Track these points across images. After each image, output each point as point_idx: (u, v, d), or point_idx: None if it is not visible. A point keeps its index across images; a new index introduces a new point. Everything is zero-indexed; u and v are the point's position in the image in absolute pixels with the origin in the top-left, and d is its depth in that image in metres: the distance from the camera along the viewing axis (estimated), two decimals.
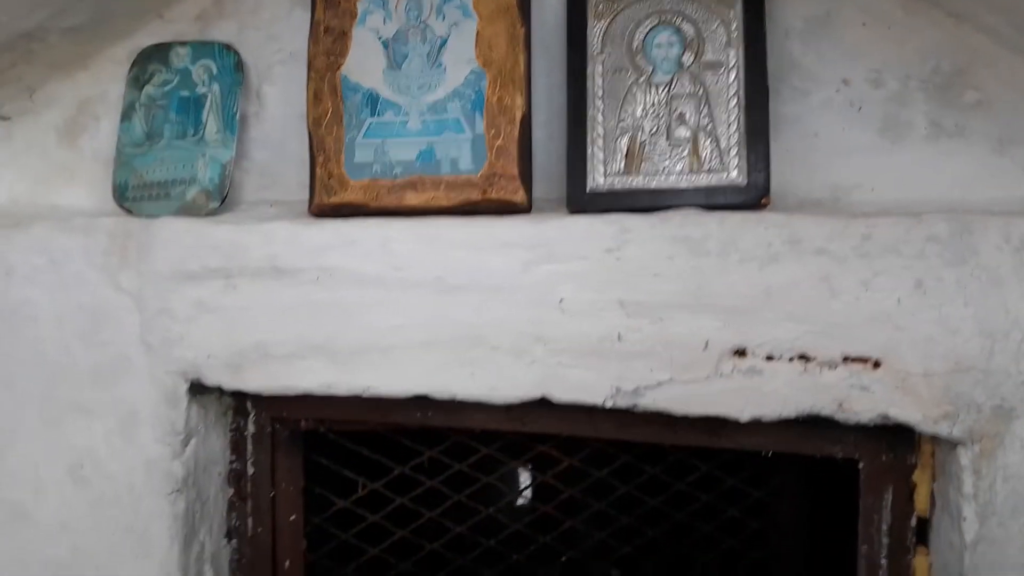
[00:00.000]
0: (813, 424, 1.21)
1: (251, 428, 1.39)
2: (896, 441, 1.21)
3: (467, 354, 1.16)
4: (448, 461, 1.48)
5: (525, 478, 1.52)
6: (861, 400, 1.06)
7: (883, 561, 1.24)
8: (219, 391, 1.31)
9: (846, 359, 1.06)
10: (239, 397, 1.36)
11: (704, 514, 1.57)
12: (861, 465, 1.23)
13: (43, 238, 1.27)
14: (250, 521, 1.40)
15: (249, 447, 1.39)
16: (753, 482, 1.58)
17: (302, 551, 1.42)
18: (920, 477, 1.21)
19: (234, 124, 1.30)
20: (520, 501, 1.55)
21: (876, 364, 1.06)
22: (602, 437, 1.28)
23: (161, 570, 1.26)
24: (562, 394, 1.16)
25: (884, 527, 1.23)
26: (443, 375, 1.18)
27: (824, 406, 1.08)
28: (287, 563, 1.42)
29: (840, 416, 1.08)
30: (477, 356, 1.16)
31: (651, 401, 1.12)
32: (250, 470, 1.39)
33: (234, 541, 1.40)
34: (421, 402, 1.27)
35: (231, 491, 1.40)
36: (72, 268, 1.25)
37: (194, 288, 1.21)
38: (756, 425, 1.19)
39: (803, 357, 1.07)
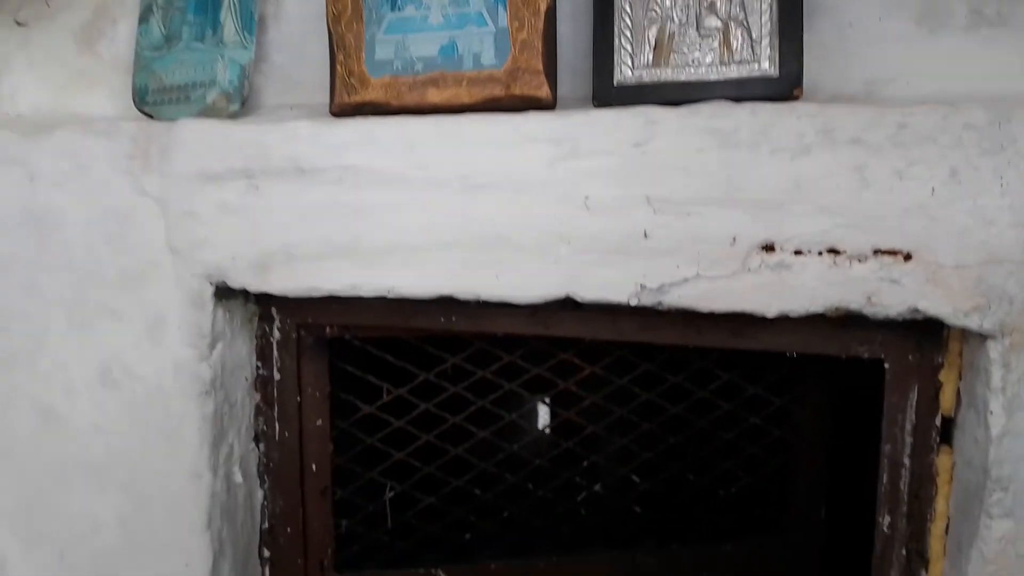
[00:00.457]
0: (839, 324, 1.20)
1: (276, 335, 1.40)
2: (923, 340, 1.20)
3: (491, 254, 1.15)
4: (472, 368, 1.49)
5: (548, 386, 1.53)
6: (891, 293, 1.05)
7: (906, 460, 1.24)
8: (244, 295, 1.32)
9: (877, 252, 1.05)
10: (264, 303, 1.37)
11: (726, 422, 1.58)
12: (887, 365, 1.22)
13: (67, 142, 1.26)
14: (277, 426, 1.42)
15: (275, 353, 1.40)
16: (775, 390, 1.58)
17: (329, 455, 1.44)
18: (946, 376, 1.20)
19: (253, 25, 1.28)
20: (542, 409, 1.57)
21: (907, 257, 1.04)
22: (625, 340, 1.28)
23: (192, 469, 1.28)
24: (586, 293, 1.15)
25: (908, 427, 1.23)
26: (467, 275, 1.17)
27: (853, 300, 1.07)
28: (314, 466, 1.44)
29: (869, 310, 1.07)
30: (501, 256, 1.15)
31: (676, 298, 1.12)
32: (276, 376, 1.41)
33: (262, 445, 1.43)
34: (445, 305, 1.27)
35: (258, 397, 1.41)
36: (97, 172, 1.25)
37: (217, 190, 1.21)
38: (782, 323, 1.19)
39: (832, 251, 1.06)
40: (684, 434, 1.58)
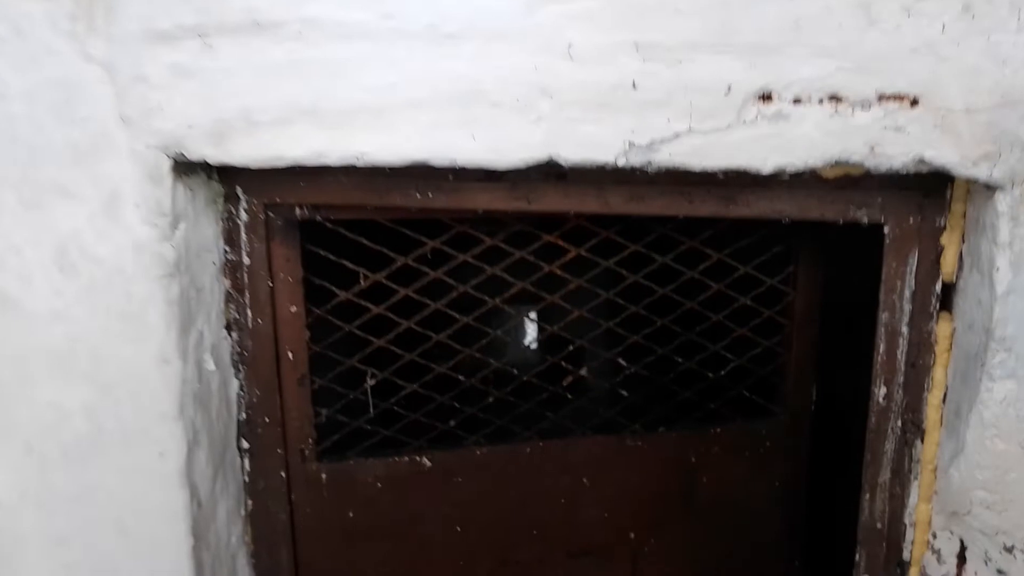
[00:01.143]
0: (837, 186, 1.14)
1: (244, 216, 1.32)
2: (925, 201, 1.14)
3: (466, 112, 1.07)
4: (452, 252, 1.42)
5: (531, 270, 1.46)
6: (895, 142, 0.98)
7: (904, 329, 1.20)
8: (206, 171, 1.23)
9: (881, 98, 0.97)
10: (228, 181, 1.29)
11: (715, 303, 1.53)
12: (887, 229, 1.17)
13: (2, 4, 1.15)
14: (249, 313, 1.36)
15: (243, 236, 1.33)
16: (766, 269, 1.53)
17: (305, 342, 1.39)
18: (948, 239, 1.15)
19: None
20: (527, 294, 1.50)
21: (914, 102, 0.97)
22: (613, 212, 1.21)
23: (159, 355, 1.22)
24: (571, 153, 1.08)
25: (907, 293, 1.18)
26: (441, 137, 1.09)
27: (855, 151, 1.00)
28: (290, 355, 1.39)
29: (871, 163, 1.00)
30: (477, 114, 1.07)
31: (667, 156, 1.05)
32: (246, 261, 1.34)
33: (235, 333, 1.37)
34: (420, 176, 1.20)
35: (228, 283, 1.35)
36: (36, 37, 1.14)
37: (169, 51, 1.11)
38: (777, 188, 1.12)
39: (834, 98, 0.98)
40: (673, 316, 1.53)
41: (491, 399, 1.47)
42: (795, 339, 1.56)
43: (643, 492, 1.58)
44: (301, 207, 1.31)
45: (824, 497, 1.68)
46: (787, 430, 1.60)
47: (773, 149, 1.01)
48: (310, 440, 1.44)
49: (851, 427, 1.88)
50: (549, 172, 1.20)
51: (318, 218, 1.33)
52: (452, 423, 1.49)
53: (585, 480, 1.55)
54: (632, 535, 1.58)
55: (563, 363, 1.51)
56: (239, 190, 1.30)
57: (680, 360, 1.55)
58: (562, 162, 1.08)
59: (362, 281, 1.42)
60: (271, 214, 1.33)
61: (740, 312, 1.54)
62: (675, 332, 1.54)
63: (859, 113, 0.97)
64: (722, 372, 1.56)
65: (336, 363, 1.44)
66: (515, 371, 1.50)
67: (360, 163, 1.13)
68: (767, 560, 1.67)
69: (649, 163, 1.05)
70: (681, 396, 1.57)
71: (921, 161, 0.98)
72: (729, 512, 1.62)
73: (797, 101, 0.99)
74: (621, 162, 1.05)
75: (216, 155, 1.14)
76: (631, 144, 1.04)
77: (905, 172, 1.03)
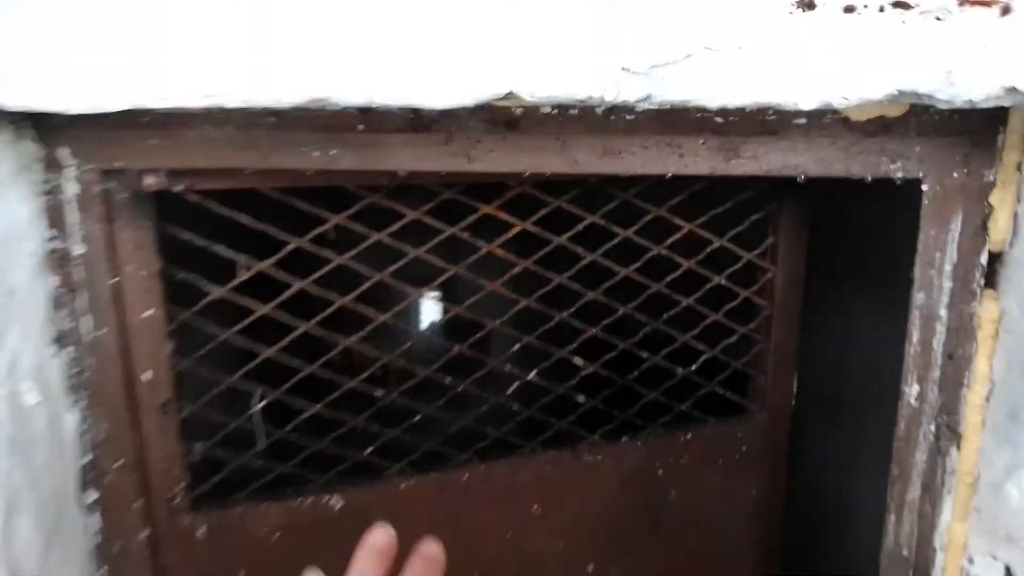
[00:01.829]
0: (869, 133, 0.89)
1: (73, 188, 0.95)
2: (972, 152, 0.90)
3: (386, 26, 0.75)
4: (362, 230, 1.10)
5: (465, 251, 1.16)
6: (978, 66, 0.73)
7: (943, 312, 0.96)
8: (10, 124, 0.86)
9: (963, 2, 0.72)
10: (48, 140, 0.91)
11: (684, 285, 1.26)
12: (925, 187, 0.92)
13: None
14: (87, 321, 0.99)
15: (72, 216, 0.96)
16: (742, 243, 1.28)
17: (167, 357, 1.04)
18: (1000, 197, 0.92)
19: None
20: (458, 282, 1.20)
21: (1005, 9, 0.72)
22: (581, 172, 0.92)
23: None
24: (540, 87, 0.77)
25: (948, 268, 0.94)
26: (345, 62, 0.77)
27: (926, 79, 0.74)
28: (147, 374, 1.03)
29: (944, 94, 0.75)
30: (402, 28, 0.75)
31: (673, 88, 0.76)
32: (78, 250, 0.97)
33: (69, 349, 1.00)
34: (319, 127, 0.87)
35: (55, 280, 0.98)
36: None
37: None
38: (793, 134, 0.86)
39: (900, 4, 0.72)
40: (635, 303, 1.26)
41: (418, 417, 1.16)
42: (775, 323, 1.32)
43: (603, 516, 1.30)
44: (154, 174, 0.95)
45: (807, 503, 1.47)
46: (766, 430, 1.36)
47: (816, 78, 0.74)
48: (181, 484, 1.09)
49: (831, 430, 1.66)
50: (496, 119, 0.90)
51: (178, 188, 0.97)
52: (368, 451, 1.17)
53: (536, 507, 1.26)
54: (591, 567, 1.31)
55: (508, 367, 1.22)
56: (64, 152, 0.93)
57: (645, 355, 1.28)
58: (527, 99, 0.78)
59: (242, 272, 1.07)
60: (112, 185, 0.96)
61: (712, 294, 1.28)
62: (637, 322, 1.27)
63: (932, 24, 0.72)
64: (693, 367, 1.30)
65: (212, 382, 1.09)
66: (448, 380, 1.19)
67: (231, 106, 0.79)
68: (738, 572, 1.44)
69: (647, 98, 0.76)
70: (646, 398, 1.30)
71: (1013, 91, 0.73)
72: (701, 530, 1.37)
73: (849, 9, 0.72)
74: (610, 97, 0.76)
75: (11, 98, 0.78)
76: (625, 70, 0.74)
77: (969, 109, 0.78)
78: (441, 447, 1.21)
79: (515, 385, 1.22)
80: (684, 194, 1.16)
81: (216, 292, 1.06)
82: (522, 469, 1.24)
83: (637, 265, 1.22)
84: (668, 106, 0.77)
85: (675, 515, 1.34)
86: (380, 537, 0.63)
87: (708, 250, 1.24)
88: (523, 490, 1.24)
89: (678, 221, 1.21)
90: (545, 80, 0.75)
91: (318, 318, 1.11)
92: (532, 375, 1.22)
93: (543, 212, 1.14)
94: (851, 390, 1.54)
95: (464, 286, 1.21)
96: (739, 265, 1.27)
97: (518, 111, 0.89)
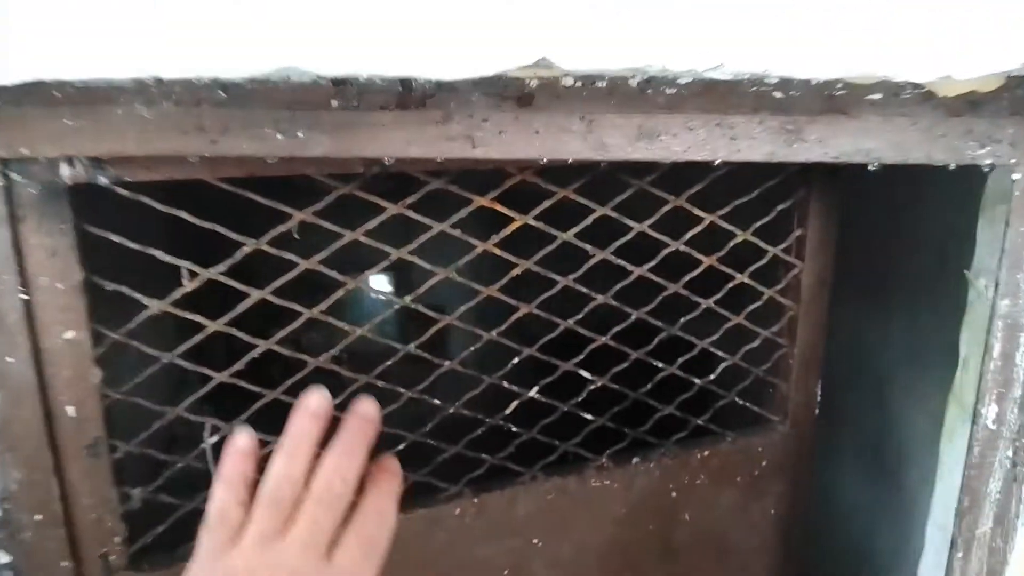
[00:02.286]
0: (954, 111, 0.73)
1: None
2: None
3: None
4: (334, 229, 0.91)
5: (452, 250, 0.98)
6: None
7: None
8: None
9: None
10: None
11: (704, 285, 1.10)
12: (1017, 175, 0.77)
13: None
14: None
15: None
16: (766, 236, 1.12)
17: (94, 387, 0.84)
18: None
19: None
20: (443, 288, 1.01)
21: None
22: (610, 158, 0.75)
23: None
24: (580, 59, 0.60)
25: None
26: (309, 23, 0.58)
27: None
28: (71, 408, 0.84)
29: None
30: None
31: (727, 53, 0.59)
32: None
33: None
34: (281, 103, 0.68)
35: None
36: None
37: None
38: (866, 112, 0.71)
39: None
40: (648, 306, 1.09)
41: (403, 445, 0.98)
42: (800, 325, 1.17)
43: (610, 546, 1.14)
44: (71, 163, 0.76)
45: (826, 518, 1.34)
46: (787, 443, 1.21)
47: (906, 44, 0.58)
48: (117, 538, 0.90)
49: (869, 433, 1.53)
50: (506, 93, 0.72)
51: (104, 181, 0.78)
52: None
53: (536, 540, 1.10)
54: None
55: (505, 384, 1.04)
56: None
57: (659, 365, 1.12)
58: (564, 70, 0.60)
59: (186, 281, 0.88)
60: (16, 177, 0.76)
61: (730, 295, 1.12)
62: (648, 327, 1.10)
63: None
64: (712, 376, 1.14)
65: (152, 414, 0.90)
66: (437, 402, 1.01)
67: (169, 77, 0.60)
68: None
69: (717, 67, 0.59)
70: (660, 412, 1.15)
71: None
72: (715, 554, 1.23)
73: None
74: (679, 68, 0.59)
75: None
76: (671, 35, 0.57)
77: None
78: (428, 477, 1.04)
79: (514, 404, 1.05)
80: (707, 180, 0.99)
81: (155, 306, 0.87)
82: (521, 499, 1.08)
83: (651, 264, 1.05)
84: (718, 78, 0.60)
85: (688, 540, 1.20)
86: (315, 400, 0.64)
87: (731, 244, 1.08)
88: (522, 522, 1.08)
89: (698, 212, 1.04)
90: (589, 50, 0.58)
91: (280, 334, 0.92)
92: (534, 392, 1.05)
93: (547, 204, 0.96)
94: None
95: (454, 291, 1.03)
96: (764, 261, 1.11)
97: (532, 83, 0.72)
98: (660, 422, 1.15)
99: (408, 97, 0.72)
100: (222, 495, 0.60)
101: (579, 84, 0.72)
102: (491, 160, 0.74)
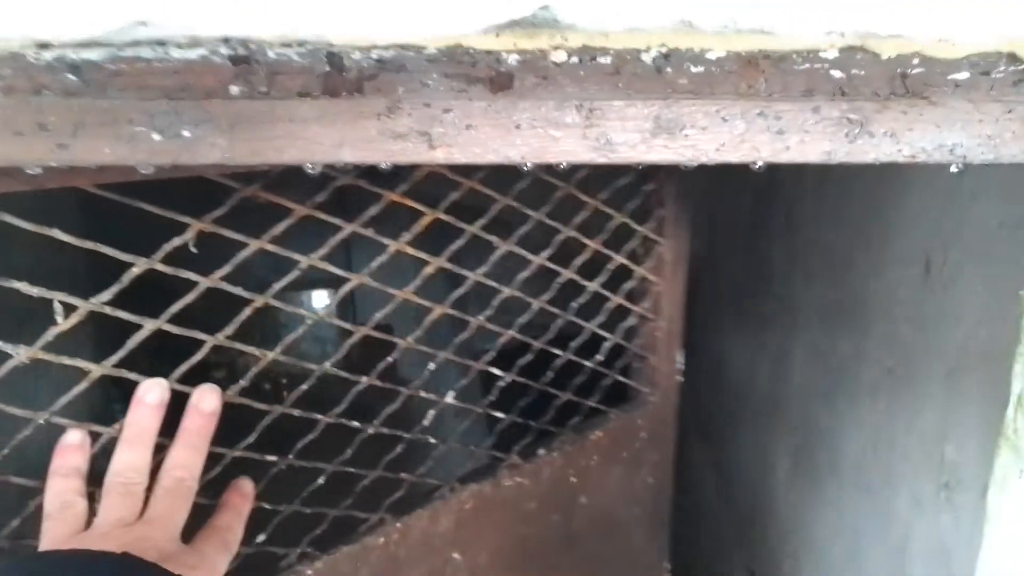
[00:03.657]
0: None
1: None
2: None
3: None
4: (241, 238, 0.70)
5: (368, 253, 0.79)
6: None
7: None
8: None
9: None
10: None
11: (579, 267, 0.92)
12: None
13: None
14: None
15: None
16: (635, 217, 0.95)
17: None
18: None
19: None
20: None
21: None
22: (617, 162, 0.56)
23: None
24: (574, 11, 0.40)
25: None
26: None
27: None
28: None
29: None
30: None
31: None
32: None
33: None
34: (149, 91, 0.48)
35: None
36: None
37: None
38: (945, 95, 0.53)
39: None
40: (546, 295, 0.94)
41: (321, 480, 0.80)
42: (664, 300, 1.18)
43: (522, 544, 1.10)
44: None
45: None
46: (658, 413, 1.24)
47: None
48: None
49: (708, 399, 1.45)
50: (473, 73, 0.52)
51: None
52: (261, 538, 0.80)
53: (456, 555, 1.01)
54: None
55: (423, 392, 0.88)
56: None
57: (559, 352, 1.04)
58: (560, 34, 0.40)
59: (60, 318, 0.66)
60: None
61: (607, 277, 1.07)
62: (541, 316, 0.98)
63: None
64: (599, 357, 1.09)
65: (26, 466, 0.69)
66: (356, 423, 0.83)
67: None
68: (641, 570, 1.34)
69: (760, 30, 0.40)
70: (559, 399, 1.08)
71: None
72: (606, 531, 1.22)
73: None
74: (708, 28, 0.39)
75: None
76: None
77: None
78: (351, 512, 0.87)
79: (432, 413, 0.89)
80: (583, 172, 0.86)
81: (21, 354, 0.65)
82: (442, 515, 0.98)
83: (549, 252, 0.90)
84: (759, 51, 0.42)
85: (585, 523, 1.18)
86: (150, 391, 0.63)
87: (610, 227, 1.02)
88: (443, 537, 1.00)
89: (585, 199, 0.94)
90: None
91: (179, 372, 0.72)
92: (449, 397, 0.93)
93: (455, 195, 0.78)
94: None
95: (366, 298, 0.85)
96: (634, 242, 1.11)
97: (511, 58, 0.52)
98: (558, 410, 1.09)
99: (338, 79, 0.51)
100: (60, 487, 0.60)
101: (575, 60, 0.52)
102: (455, 164, 0.54)
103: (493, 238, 0.84)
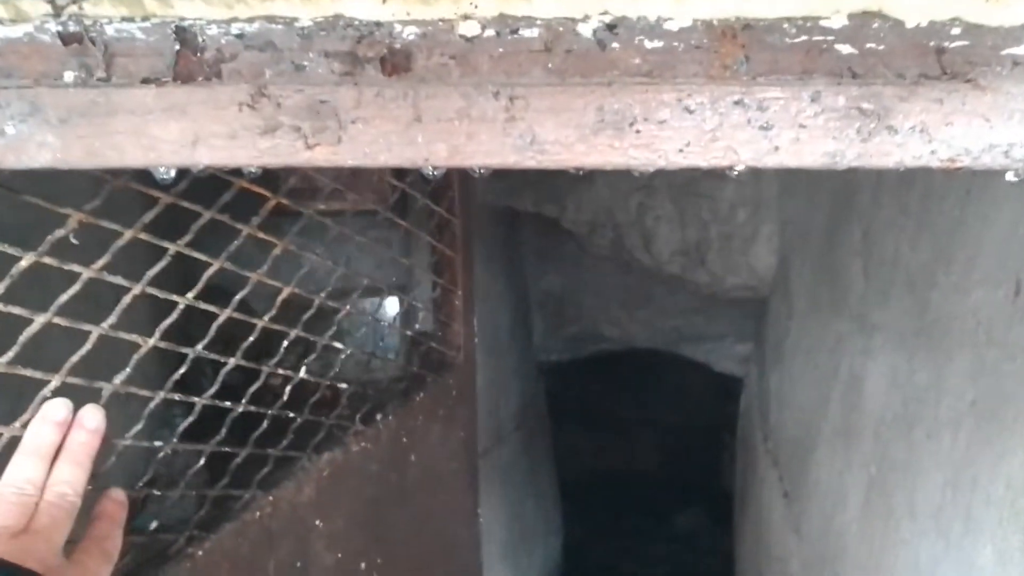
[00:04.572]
0: None
1: None
2: None
3: None
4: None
5: None
6: None
7: None
8: None
9: None
10: None
11: None
12: None
13: None
14: None
15: None
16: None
17: None
18: None
19: None
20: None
21: None
22: (555, 168, 0.44)
23: None
24: None
25: None
26: None
27: None
28: None
29: None
30: None
31: None
32: None
33: None
34: None
35: None
36: None
37: None
38: (1005, 82, 0.37)
39: None
40: None
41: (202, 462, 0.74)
42: (460, 271, 1.29)
43: (370, 505, 1.15)
44: None
45: None
46: (464, 373, 1.36)
47: None
48: None
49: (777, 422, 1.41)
50: (361, 54, 0.41)
51: None
52: (154, 525, 0.77)
53: (318, 522, 1.04)
54: (363, 565, 1.14)
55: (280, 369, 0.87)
56: None
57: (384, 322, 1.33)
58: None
59: None
60: None
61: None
62: None
63: None
64: (418, 326, 1.31)
65: None
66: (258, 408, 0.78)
67: None
68: (460, 522, 1.46)
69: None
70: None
71: None
72: (432, 486, 1.31)
73: None
74: None
75: None
76: None
77: None
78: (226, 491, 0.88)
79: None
80: None
81: None
82: (305, 484, 1.00)
83: None
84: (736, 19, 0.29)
85: (417, 479, 1.25)
86: (53, 409, 0.64)
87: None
88: (307, 507, 1.01)
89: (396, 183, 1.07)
90: None
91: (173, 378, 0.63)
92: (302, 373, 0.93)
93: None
94: None
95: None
96: (435, 221, 1.22)
97: (407, 33, 0.40)
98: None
99: (191, 61, 0.41)
100: None
101: (490, 33, 0.40)
102: (338, 168, 0.43)
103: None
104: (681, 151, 0.41)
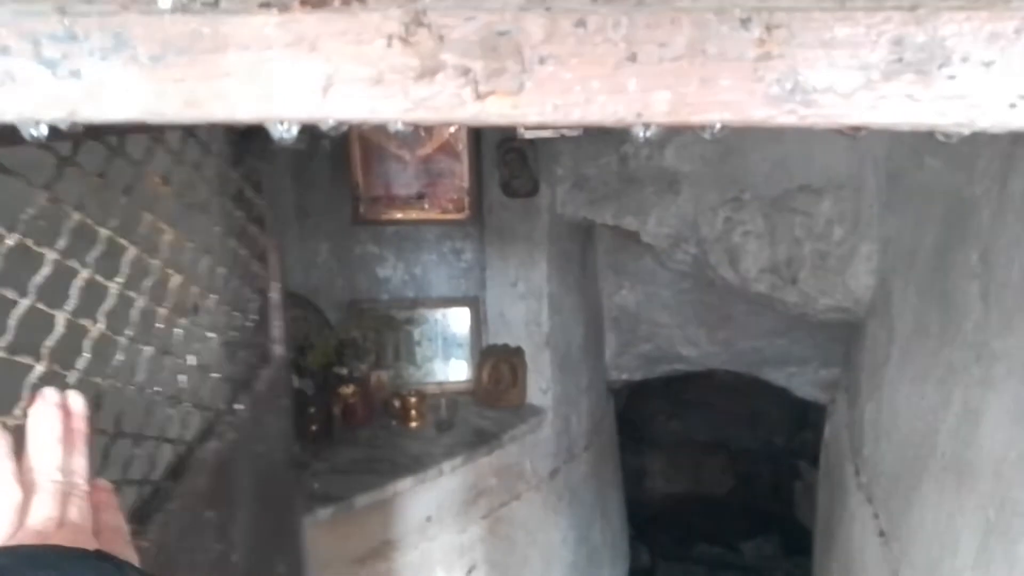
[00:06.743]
0: None
1: None
2: None
3: None
4: None
5: None
6: None
7: None
8: None
9: None
10: None
11: None
12: None
13: None
14: None
15: None
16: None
17: None
18: None
19: None
20: None
21: None
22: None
23: None
24: None
25: None
26: None
27: None
28: None
29: None
30: None
31: None
32: None
33: None
34: None
35: None
36: None
37: None
38: None
39: None
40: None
41: None
42: (271, 254, 1.33)
43: (243, 495, 1.24)
44: None
45: None
46: (280, 364, 1.43)
47: None
48: None
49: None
50: None
51: None
52: None
53: (210, 513, 1.10)
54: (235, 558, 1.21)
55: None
56: None
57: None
58: None
59: None
60: None
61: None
62: None
63: None
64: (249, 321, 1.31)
65: None
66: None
67: None
68: (293, 508, 1.58)
69: None
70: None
71: None
72: (271, 475, 1.38)
73: None
74: None
75: None
76: None
77: None
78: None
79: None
80: None
81: None
82: (199, 476, 1.05)
83: None
84: None
85: (263, 470, 1.31)
86: (53, 393, 0.64)
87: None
88: (200, 499, 1.05)
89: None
90: None
91: None
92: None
93: None
94: None
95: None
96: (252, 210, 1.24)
97: None
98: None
99: None
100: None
101: None
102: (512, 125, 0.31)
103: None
104: (1014, 105, 0.29)
